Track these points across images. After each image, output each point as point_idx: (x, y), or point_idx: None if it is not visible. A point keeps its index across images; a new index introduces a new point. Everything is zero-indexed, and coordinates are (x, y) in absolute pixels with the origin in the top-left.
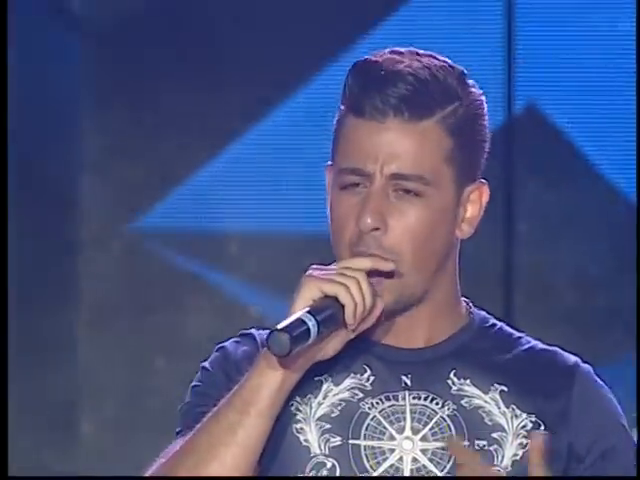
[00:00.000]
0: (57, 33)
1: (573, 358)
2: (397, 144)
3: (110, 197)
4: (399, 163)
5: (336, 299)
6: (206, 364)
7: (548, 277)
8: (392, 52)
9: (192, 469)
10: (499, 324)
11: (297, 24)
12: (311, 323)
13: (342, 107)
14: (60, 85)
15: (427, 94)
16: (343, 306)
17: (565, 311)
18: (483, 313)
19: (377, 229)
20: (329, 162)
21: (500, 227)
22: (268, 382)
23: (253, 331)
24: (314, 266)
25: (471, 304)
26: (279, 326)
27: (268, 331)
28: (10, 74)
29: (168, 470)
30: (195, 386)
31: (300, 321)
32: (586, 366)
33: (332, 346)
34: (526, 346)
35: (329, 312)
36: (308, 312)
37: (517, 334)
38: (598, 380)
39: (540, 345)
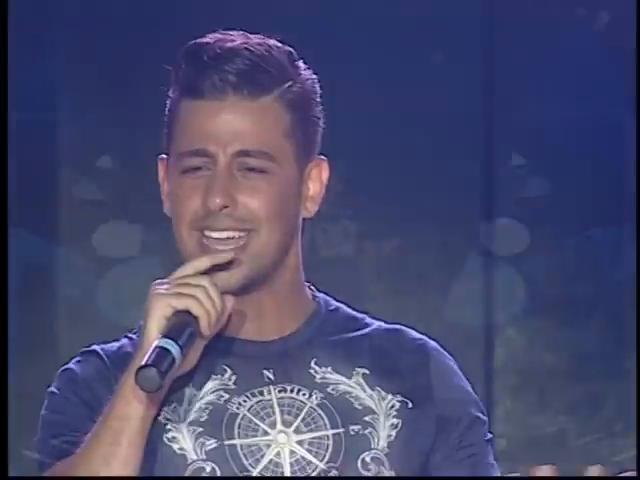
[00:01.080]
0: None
1: (419, 335)
2: (238, 122)
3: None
4: (242, 141)
5: (188, 312)
6: (53, 389)
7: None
8: (221, 33)
9: None
10: (341, 305)
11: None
12: (174, 349)
13: (174, 93)
14: (36, 81)
15: (264, 70)
16: (196, 317)
17: (546, 303)
18: (324, 295)
19: (226, 207)
20: (163, 155)
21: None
22: (136, 411)
23: (95, 347)
24: (158, 281)
25: (313, 287)
26: (144, 362)
27: (116, 343)
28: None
29: None
30: (45, 415)
31: (163, 350)
32: (434, 342)
33: (192, 359)
34: (374, 326)
35: (188, 332)
36: (168, 337)
37: (360, 315)
38: (447, 354)
39: (384, 325)
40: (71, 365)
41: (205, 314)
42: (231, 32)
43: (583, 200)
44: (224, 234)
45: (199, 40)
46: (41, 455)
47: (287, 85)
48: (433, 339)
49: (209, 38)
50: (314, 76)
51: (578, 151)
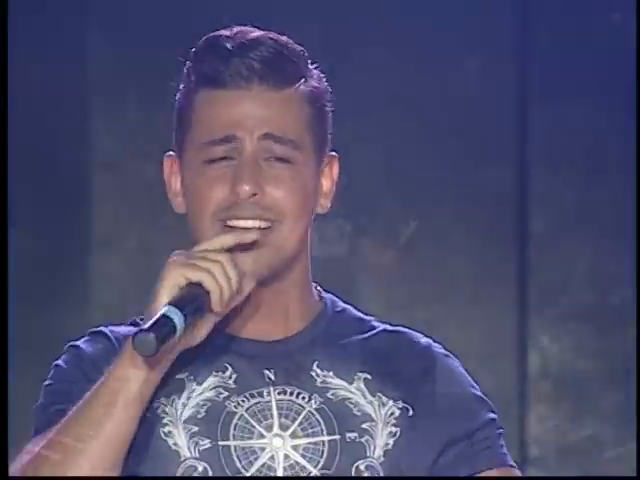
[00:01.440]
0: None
1: (424, 338)
2: (264, 109)
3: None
4: (269, 125)
5: (201, 285)
6: (59, 362)
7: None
8: (238, 27)
9: (57, 465)
10: (348, 307)
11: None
12: (177, 317)
13: (187, 86)
14: (71, 84)
15: (288, 59)
16: (208, 292)
17: (581, 310)
18: (331, 296)
19: (255, 194)
20: (170, 152)
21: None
22: (135, 375)
23: (103, 328)
24: (177, 251)
25: (320, 287)
26: (144, 326)
27: (124, 327)
28: (18, 73)
29: (32, 468)
30: (48, 385)
31: (166, 318)
32: (438, 344)
33: (199, 333)
34: (379, 329)
35: (195, 304)
36: (174, 305)
37: (367, 317)
38: (452, 356)
39: (389, 327)
40: (79, 343)
41: (217, 289)
42: (245, 27)
43: (618, 206)
44: (249, 223)
45: (217, 32)
46: (38, 418)
47: (307, 79)
48: (437, 342)
49: (227, 31)
50: (322, 75)
51: (612, 154)
